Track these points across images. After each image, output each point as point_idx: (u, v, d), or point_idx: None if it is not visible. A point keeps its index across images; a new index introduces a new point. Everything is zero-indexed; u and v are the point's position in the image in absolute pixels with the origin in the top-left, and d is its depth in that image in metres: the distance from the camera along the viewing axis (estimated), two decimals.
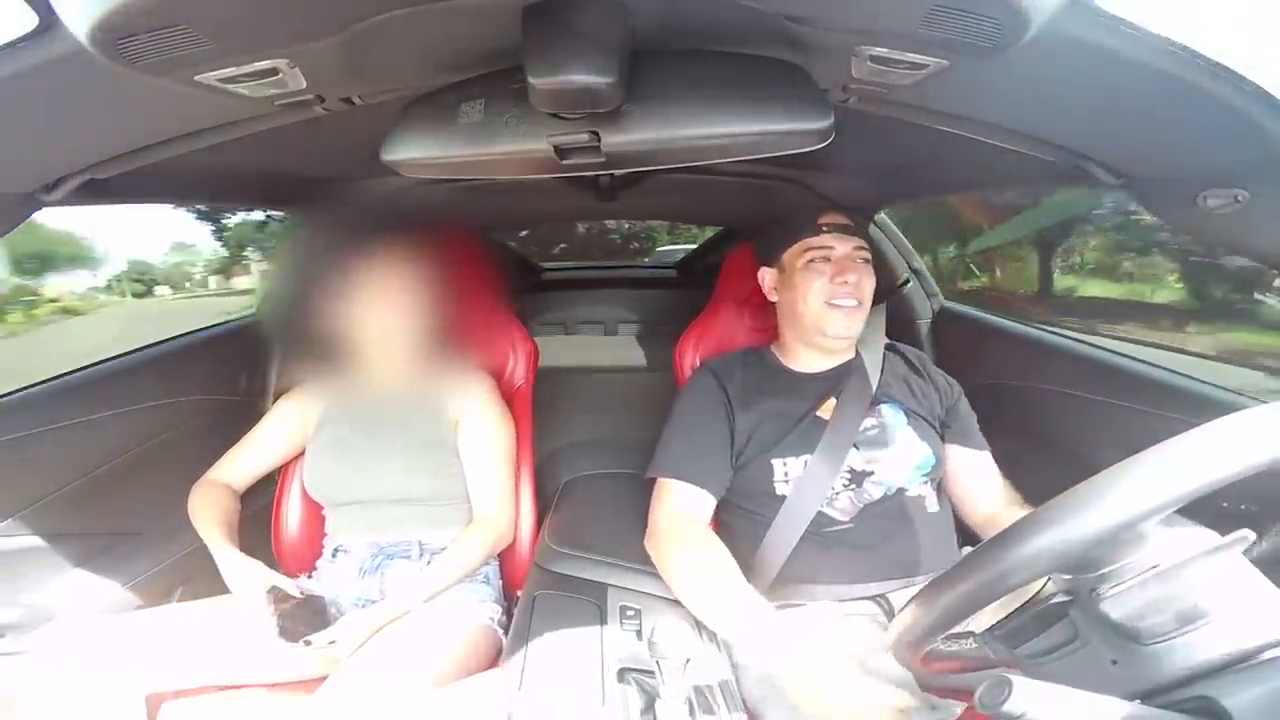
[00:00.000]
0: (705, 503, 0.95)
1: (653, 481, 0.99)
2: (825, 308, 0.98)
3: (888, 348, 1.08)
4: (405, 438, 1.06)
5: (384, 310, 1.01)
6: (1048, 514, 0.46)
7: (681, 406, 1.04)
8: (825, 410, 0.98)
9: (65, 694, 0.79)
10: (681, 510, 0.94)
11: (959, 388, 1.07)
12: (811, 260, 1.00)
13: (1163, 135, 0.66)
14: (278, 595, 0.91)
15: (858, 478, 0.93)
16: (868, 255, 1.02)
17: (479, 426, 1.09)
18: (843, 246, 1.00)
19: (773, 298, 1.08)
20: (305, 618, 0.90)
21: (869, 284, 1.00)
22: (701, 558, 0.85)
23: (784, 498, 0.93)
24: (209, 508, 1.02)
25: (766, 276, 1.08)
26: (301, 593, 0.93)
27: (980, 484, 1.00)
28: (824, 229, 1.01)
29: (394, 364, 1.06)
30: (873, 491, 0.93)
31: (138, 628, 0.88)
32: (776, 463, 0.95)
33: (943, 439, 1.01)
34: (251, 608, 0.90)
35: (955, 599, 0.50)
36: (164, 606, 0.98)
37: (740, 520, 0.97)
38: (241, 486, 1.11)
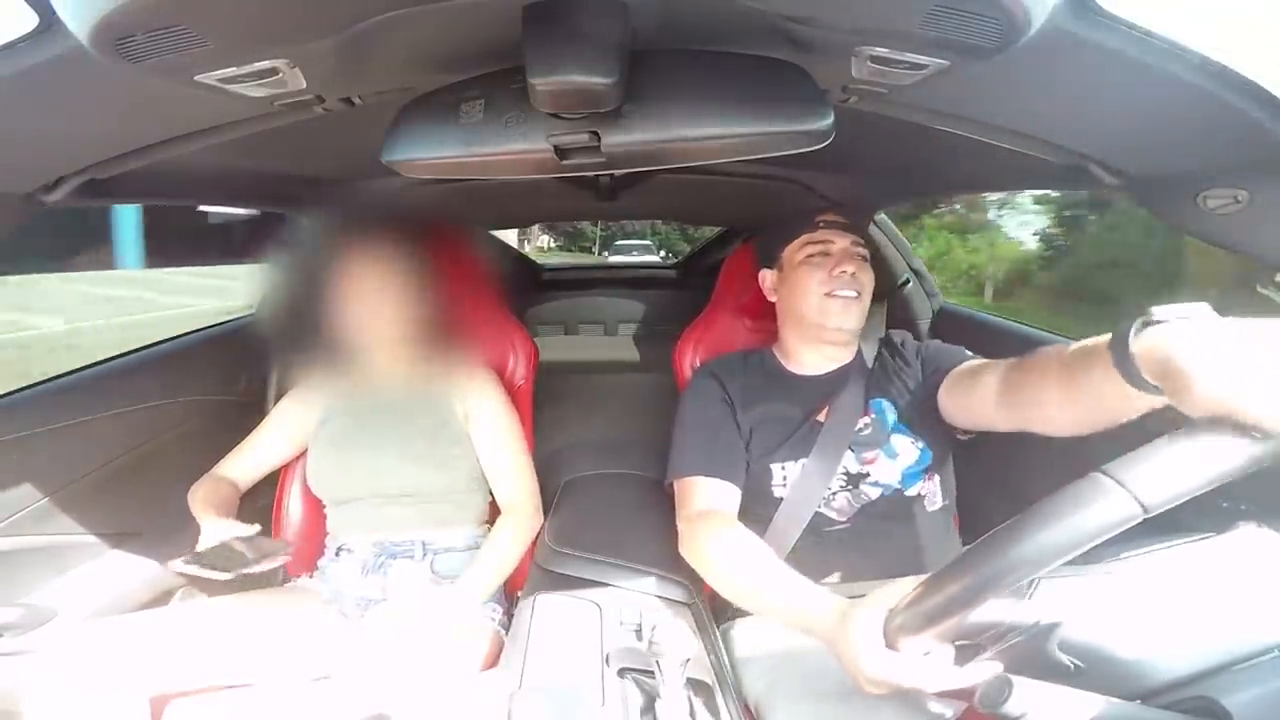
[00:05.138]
0: (731, 495, 0.94)
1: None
2: (824, 299, 0.98)
3: (880, 340, 1.07)
4: (406, 434, 1.06)
5: (384, 308, 1.01)
6: (1056, 502, 0.44)
7: (687, 409, 1.03)
8: (823, 415, 0.97)
9: (70, 697, 0.79)
10: (710, 507, 0.91)
11: (933, 344, 1.02)
12: (810, 255, 1.01)
13: (1163, 135, 0.66)
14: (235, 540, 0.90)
15: (854, 479, 0.93)
16: (865, 252, 1.02)
17: (492, 417, 1.10)
18: (841, 241, 1.01)
19: (773, 298, 1.09)
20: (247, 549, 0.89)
21: (868, 278, 1.00)
22: (747, 552, 0.80)
23: (782, 500, 0.93)
24: (201, 492, 1.02)
25: (767, 278, 1.09)
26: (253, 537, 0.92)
27: (984, 371, 0.84)
28: (821, 225, 1.02)
29: (394, 361, 1.06)
30: (870, 492, 0.92)
31: (141, 628, 0.88)
32: (775, 466, 0.95)
33: (942, 411, 0.91)
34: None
35: (960, 590, 0.46)
36: (166, 607, 0.98)
37: (740, 520, 0.96)
38: (244, 485, 1.11)
